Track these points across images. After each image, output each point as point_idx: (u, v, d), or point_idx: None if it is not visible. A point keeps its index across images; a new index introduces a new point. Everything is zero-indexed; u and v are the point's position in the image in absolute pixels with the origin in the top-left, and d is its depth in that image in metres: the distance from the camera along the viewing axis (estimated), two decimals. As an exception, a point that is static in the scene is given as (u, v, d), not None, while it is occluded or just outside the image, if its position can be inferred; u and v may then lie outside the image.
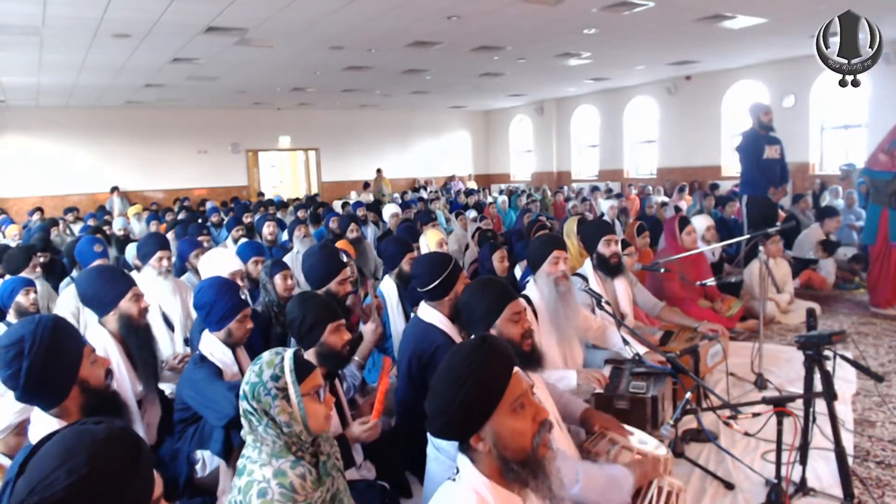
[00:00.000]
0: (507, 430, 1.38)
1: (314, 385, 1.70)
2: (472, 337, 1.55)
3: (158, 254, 3.93)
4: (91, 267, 2.91)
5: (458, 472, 1.44)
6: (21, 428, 2.10)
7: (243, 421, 1.66)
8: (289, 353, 1.71)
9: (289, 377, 1.66)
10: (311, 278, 3.43)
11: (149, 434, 2.64)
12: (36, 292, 3.69)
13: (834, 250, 6.09)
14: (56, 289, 4.94)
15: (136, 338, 2.63)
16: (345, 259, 3.78)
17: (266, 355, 1.71)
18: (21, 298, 3.55)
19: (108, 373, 1.93)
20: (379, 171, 16.58)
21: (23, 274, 4.55)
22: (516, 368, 1.45)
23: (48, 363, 1.74)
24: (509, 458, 1.38)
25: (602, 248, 3.68)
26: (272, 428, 1.61)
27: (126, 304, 2.63)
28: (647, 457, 2.19)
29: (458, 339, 2.80)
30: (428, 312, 2.81)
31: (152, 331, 2.80)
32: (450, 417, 1.39)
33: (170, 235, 6.39)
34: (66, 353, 1.79)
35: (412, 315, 3.19)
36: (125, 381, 2.55)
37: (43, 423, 1.78)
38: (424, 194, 13.98)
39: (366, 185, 15.84)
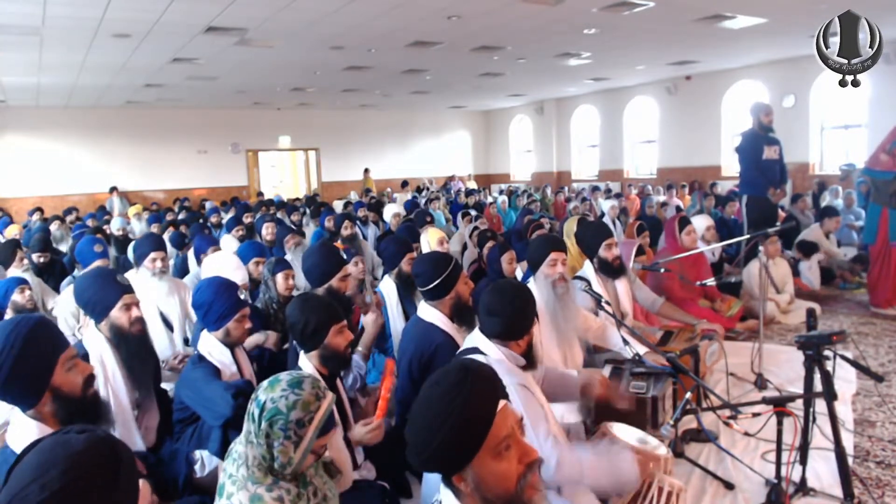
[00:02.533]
0: (490, 474, 1.27)
1: (324, 443, 1.65)
2: (453, 365, 1.39)
3: (152, 255, 3.90)
4: (89, 271, 2.88)
5: (440, 502, 1.36)
6: None
7: (247, 422, 1.62)
8: (326, 405, 1.63)
9: (312, 433, 1.59)
10: (312, 276, 3.43)
11: (147, 437, 2.63)
12: (31, 289, 3.69)
13: (811, 252, 6.00)
14: (57, 288, 4.95)
15: (125, 347, 2.58)
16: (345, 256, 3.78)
17: (307, 392, 1.60)
18: (17, 297, 3.56)
19: (89, 380, 1.88)
20: (366, 170, 16.51)
21: (11, 268, 4.58)
22: (503, 403, 1.32)
23: (17, 367, 1.73)
24: (492, 499, 1.28)
25: (603, 252, 3.67)
26: (265, 451, 1.57)
27: (116, 314, 2.58)
28: (647, 455, 2.20)
29: (458, 338, 2.80)
30: (428, 312, 2.82)
31: (148, 339, 2.76)
32: (428, 457, 1.30)
33: (165, 236, 6.38)
34: (37, 359, 1.76)
35: (413, 315, 3.19)
36: (120, 386, 2.53)
37: (21, 425, 1.78)
38: (420, 196, 13.98)
39: (404, 183, 15.83)
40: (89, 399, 1.86)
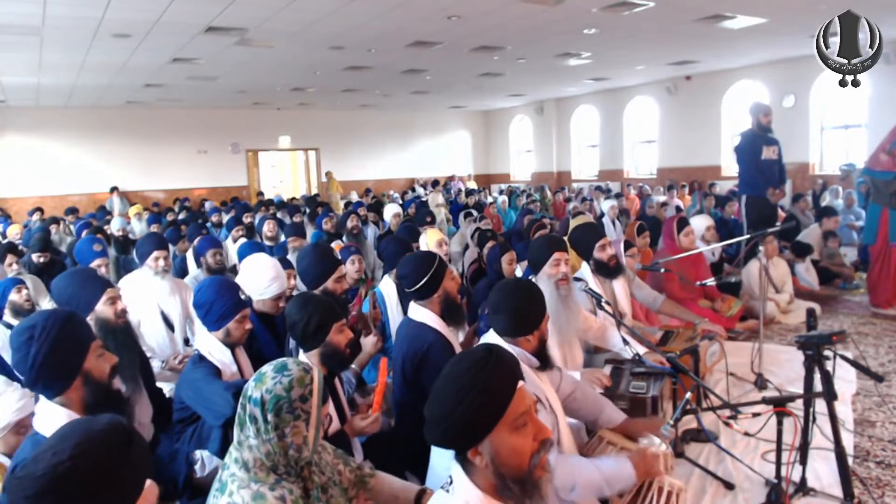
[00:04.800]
0: (507, 447, 1.34)
1: (327, 412, 1.67)
2: (476, 346, 1.46)
3: (155, 253, 3.93)
4: (65, 272, 2.87)
5: (451, 482, 1.40)
6: (19, 427, 2.11)
7: (237, 430, 1.59)
8: (317, 375, 1.65)
9: (317, 403, 1.60)
10: (306, 278, 3.42)
11: (142, 433, 2.63)
12: (27, 288, 3.71)
13: (806, 254, 5.99)
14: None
15: (114, 340, 2.61)
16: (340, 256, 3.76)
17: (296, 370, 1.61)
18: (14, 297, 3.58)
19: (115, 369, 1.96)
20: (328, 174, 16.24)
21: None
22: (521, 383, 1.40)
23: (54, 350, 1.82)
24: (506, 474, 1.34)
25: (598, 253, 3.66)
26: (275, 445, 1.55)
27: (101, 308, 2.63)
28: (646, 453, 2.20)
29: (450, 336, 2.80)
30: (418, 312, 2.81)
31: (132, 330, 2.79)
32: (448, 428, 1.35)
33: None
34: (73, 344, 1.86)
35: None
36: None
37: (48, 412, 1.83)
38: (421, 193, 14.00)
39: (434, 182, 15.70)
40: (114, 389, 1.96)
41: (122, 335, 2.67)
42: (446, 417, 1.34)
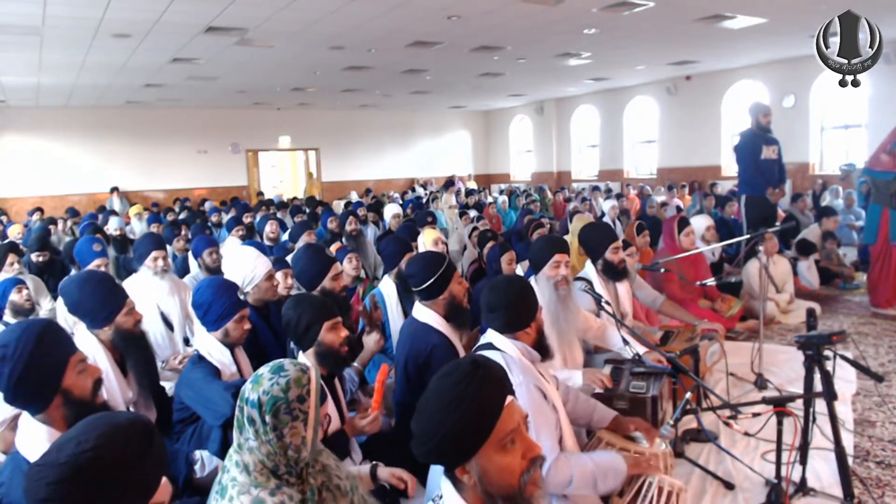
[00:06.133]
0: (495, 466, 1.29)
1: (325, 412, 1.66)
2: (464, 359, 1.42)
3: (153, 254, 3.93)
4: (80, 278, 2.76)
5: (441, 497, 1.37)
6: (17, 422, 2.10)
7: (236, 433, 1.57)
8: (314, 374, 1.63)
9: (314, 403, 1.59)
10: (303, 279, 3.41)
11: None
12: (28, 288, 3.70)
13: (809, 252, 6.02)
14: (56, 287, 4.95)
15: (134, 348, 2.60)
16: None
17: (293, 371, 1.59)
18: (14, 297, 3.58)
19: (98, 383, 1.87)
20: (310, 175, 16.10)
21: (0, 273, 4.60)
22: (510, 398, 1.34)
23: (29, 371, 1.72)
24: (495, 493, 1.29)
25: (610, 255, 3.65)
26: (275, 446, 1.54)
27: (122, 319, 2.61)
28: (644, 454, 2.20)
29: (454, 338, 2.80)
30: (423, 312, 2.81)
31: (148, 337, 2.77)
32: (434, 447, 1.30)
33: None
34: (49, 363, 1.76)
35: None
36: (114, 388, 2.53)
37: (30, 430, 1.76)
38: (422, 193, 13.97)
39: (448, 184, 15.62)
40: (98, 404, 1.86)
41: (141, 342, 2.66)
42: (432, 436, 1.30)
